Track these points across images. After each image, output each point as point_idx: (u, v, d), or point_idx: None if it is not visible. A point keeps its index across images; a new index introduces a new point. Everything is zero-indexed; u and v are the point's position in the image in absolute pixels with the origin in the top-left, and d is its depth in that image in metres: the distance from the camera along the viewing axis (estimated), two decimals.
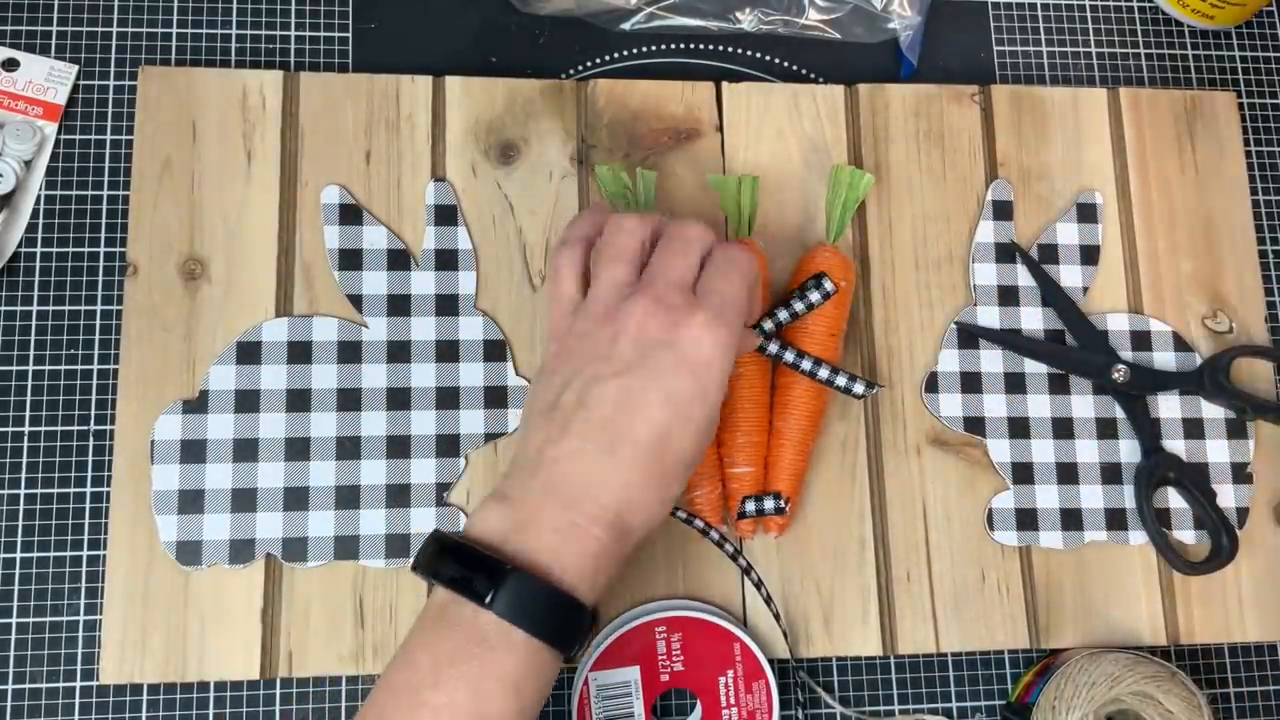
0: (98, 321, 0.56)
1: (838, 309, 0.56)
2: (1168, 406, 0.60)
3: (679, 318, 0.45)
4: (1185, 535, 0.59)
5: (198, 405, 0.55)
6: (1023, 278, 0.61)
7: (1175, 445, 0.60)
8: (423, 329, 0.57)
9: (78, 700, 0.53)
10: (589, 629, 0.45)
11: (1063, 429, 0.59)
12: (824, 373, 0.54)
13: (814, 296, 0.54)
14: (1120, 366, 0.59)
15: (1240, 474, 0.60)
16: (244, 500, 0.54)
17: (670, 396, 0.45)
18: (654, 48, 0.64)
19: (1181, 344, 0.61)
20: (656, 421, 0.45)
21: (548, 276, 0.51)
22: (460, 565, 0.43)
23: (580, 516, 0.44)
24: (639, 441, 0.44)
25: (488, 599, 0.42)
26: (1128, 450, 0.59)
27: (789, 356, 0.54)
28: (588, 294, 0.48)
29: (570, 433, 0.45)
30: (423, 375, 0.56)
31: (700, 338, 0.45)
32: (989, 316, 0.60)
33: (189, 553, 0.53)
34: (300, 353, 0.56)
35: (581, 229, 0.51)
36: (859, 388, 0.54)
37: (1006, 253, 0.61)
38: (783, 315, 0.54)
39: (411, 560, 0.48)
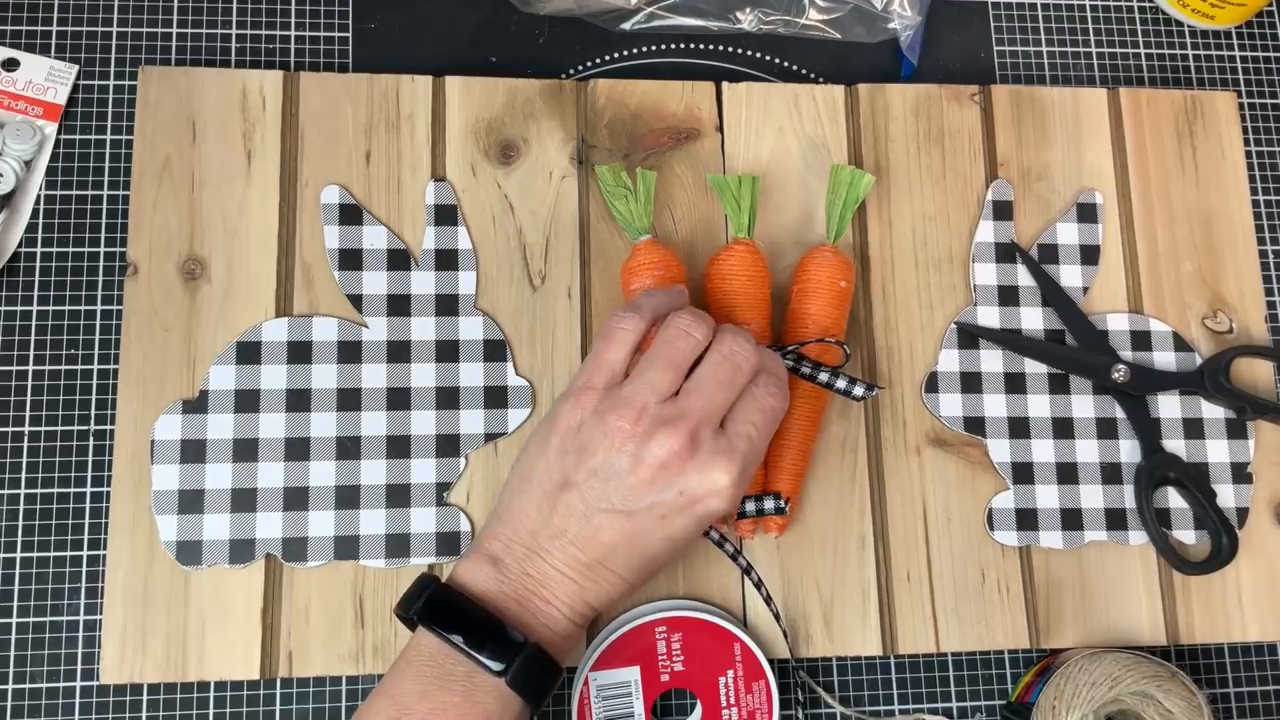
0: (98, 321, 0.56)
1: (838, 309, 0.56)
2: (1168, 406, 0.60)
3: (704, 461, 0.46)
4: (1185, 535, 0.59)
5: (198, 405, 0.55)
6: (1023, 278, 0.61)
7: (1175, 445, 0.60)
8: (423, 329, 0.57)
9: (78, 700, 0.53)
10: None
11: (1063, 429, 0.59)
12: (824, 376, 0.54)
13: (836, 382, 0.54)
14: (1120, 367, 0.59)
15: (1240, 474, 0.60)
16: (244, 500, 0.54)
17: (670, 538, 0.48)
18: (654, 48, 0.64)
19: (1181, 344, 0.61)
20: (652, 556, 0.48)
21: (602, 333, 0.49)
22: (471, 630, 0.46)
23: (567, 609, 0.48)
24: (632, 569, 0.48)
25: (500, 669, 0.45)
26: (1128, 450, 0.59)
27: (789, 360, 0.54)
28: (627, 382, 0.48)
29: (567, 540, 0.47)
30: (423, 375, 0.56)
31: (719, 490, 0.47)
32: (989, 316, 0.60)
33: (189, 553, 0.53)
34: (300, 353, 0.56)
35: (658, 303, 0.51)
36: (859, 390, 0.54)
37: (1007, 253, 0.61)
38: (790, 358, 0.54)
39: (400, 604, 0.48)
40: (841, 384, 0.54)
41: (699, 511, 0.47)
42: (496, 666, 0.45)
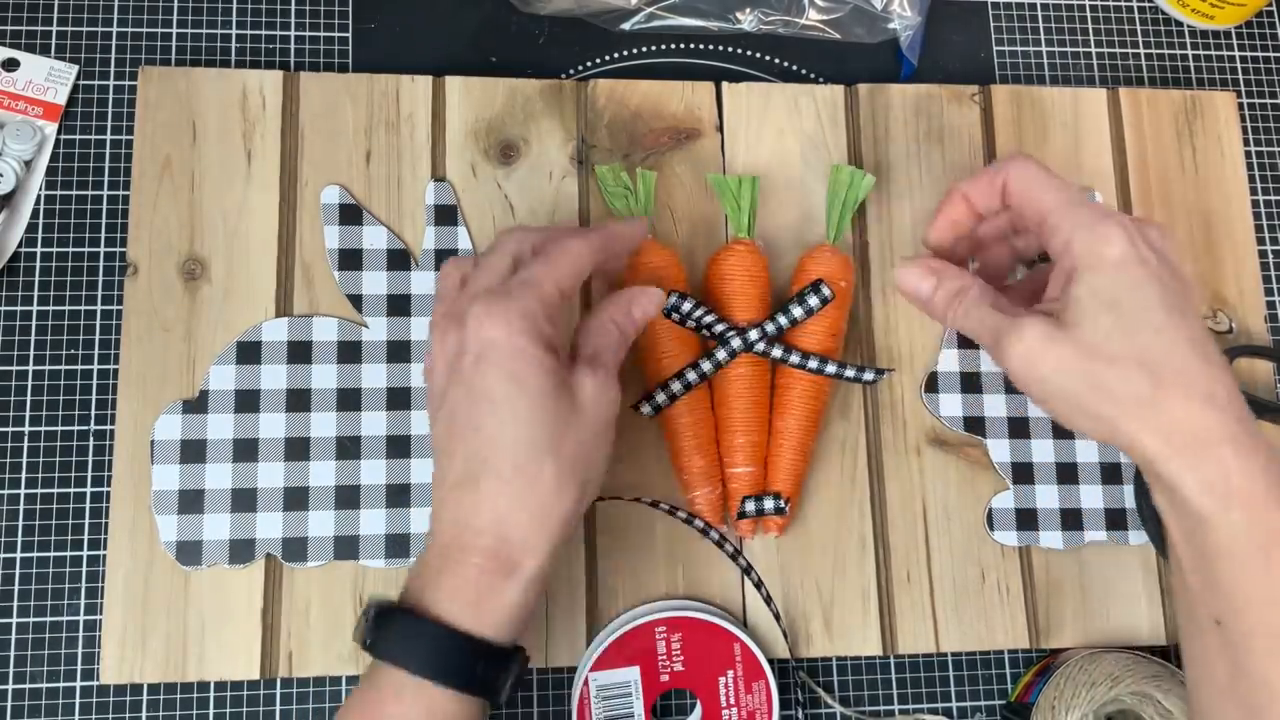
0: (98, 321, 0.56)
1: (838, 309, 0.56)
2: None
3: (464, 320, 0.44)
4: None
5: (198, 405, 0.55)
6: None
7: None
8: (423, 329, 0.57)
9: (78, 700, 0.53)
10: (504, 666, 0.43)
11: (1063, 429, 0.59)
12: (831, 368, 0.54)
13: (813, 301, 0.54)
14: None
15: None
16: (244, 500, 0.54)
17: (483, 397, 0.44)
18: (654, 48, 0.64)
19: None
20: (482, 427, 0.43)
21: None
22: (361, 619, 0.44)
23: (455, 550, 0.43)
24: (477, 455, 0.43)
25: (368, 642, 0.43)
26: None
27: (794, 359, 0.54)
28: None
29: (437, 482, 0.45)
30: (422, 375, 0.56)
31: (480, 325, 0.44)
32: None
33: (189, 553, 0.53)
34: (300, 353, 0.56)
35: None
36: (869, 375, 0.54)
37: None
38: (783, 320, 0.54)
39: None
40: (850, 373, 0.54)
41: (483, 352, 0.43)
42: (367, 639, 0.42)
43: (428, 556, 0.44)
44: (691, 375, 0.54)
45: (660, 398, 0.54)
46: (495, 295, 0.44)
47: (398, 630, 0.42)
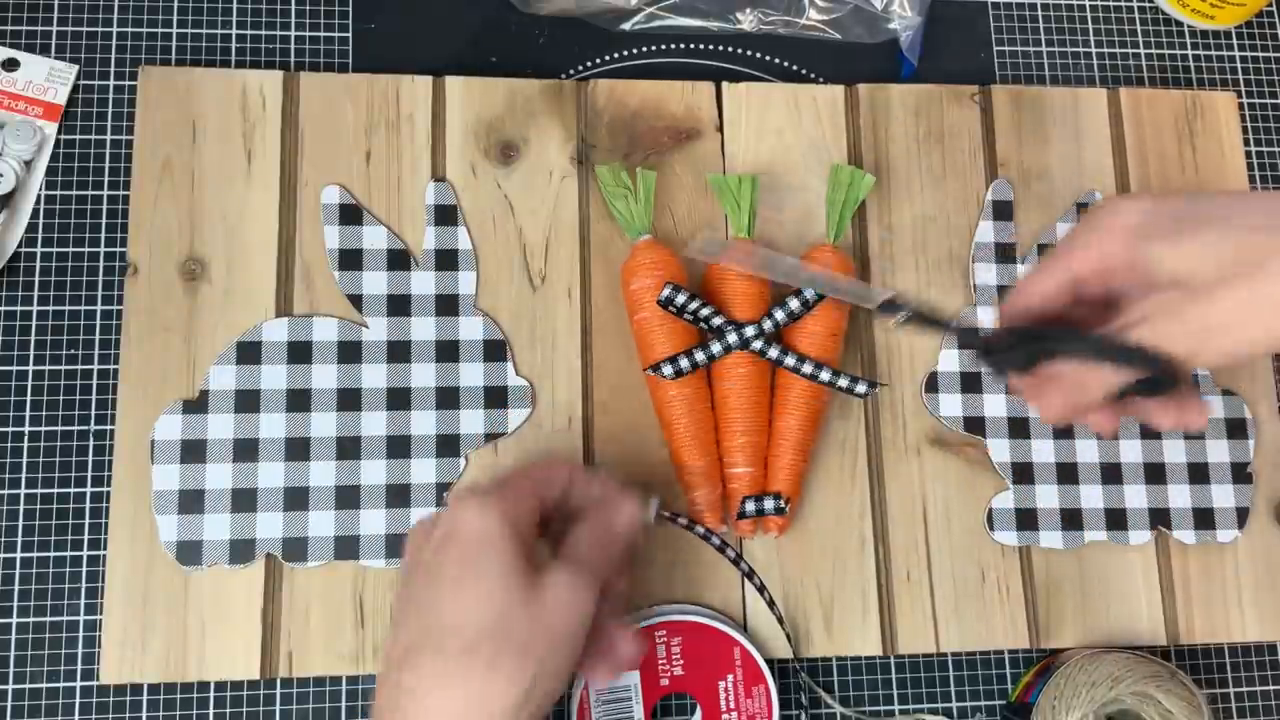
0: (98, 321, 0.56)
1: (838, 309, 0.56)
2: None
3: (447, 509, 0.46)
4: (1185, 535, 0.59)
5: (198, 405, 0.55)
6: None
7: (1175, 445, 0.60)
8: (423, 329, 0.57)
9: (78, 700, 0.53)
10: None
11: (1062, 429, 0.59)
12: (825, 375, 0.54)
13: (808, 292, 0.54)
14: None
15: (1240, 474, 0.60)
16: (244, 500, 0.54)
17: (443, 574, 0.43)
18: (654, 48, 0.64)
19: None
20: (435, 604, 0.43)
21: None
22: None
23: None
24: (426, 631, 0.43)
25: None
26: (1128, 450, 0.59)
27: (790, 361, 0.54)
28: None
29: (382, 658, 0.46)
30: (423, 375, 0.56)
31: (455, 509, 0.44)
32: (989, 316, 0.60)
33: (189, 553, 0.53)
34: (300, 353, 0.56)
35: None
36: (861, 387, 0.54)
37: (1007, 253, 0.61)
38: (780, 315, 0.54)
39: None
40: (843, 382, 0.54)
41: (453, 528, 0.43)
42: None
43: None
44: (700, 356, 0.54)
45: (667, 370, 0.54)
46: (476, 490, 0.45)
47: None
